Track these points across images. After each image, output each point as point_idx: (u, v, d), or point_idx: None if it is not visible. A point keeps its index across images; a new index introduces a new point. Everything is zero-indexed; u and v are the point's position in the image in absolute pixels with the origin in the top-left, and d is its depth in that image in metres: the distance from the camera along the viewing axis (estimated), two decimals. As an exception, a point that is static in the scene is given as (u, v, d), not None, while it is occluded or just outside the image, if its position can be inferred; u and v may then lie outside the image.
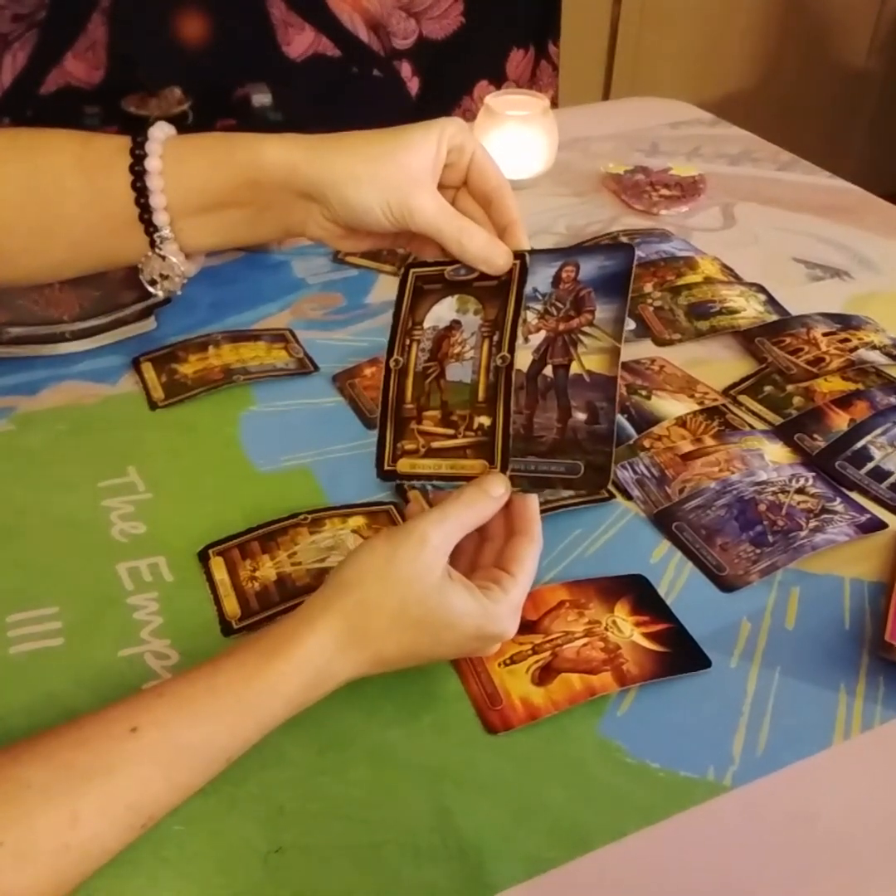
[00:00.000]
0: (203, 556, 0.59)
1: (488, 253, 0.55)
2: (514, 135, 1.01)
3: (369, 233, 0.58)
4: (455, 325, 0.56)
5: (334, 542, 0.59)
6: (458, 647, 0.50)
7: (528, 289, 0.55)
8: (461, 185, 0.58)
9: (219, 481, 0.65)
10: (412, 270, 0.58)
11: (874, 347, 0.78)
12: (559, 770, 0.48)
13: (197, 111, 1.09)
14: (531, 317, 0.55)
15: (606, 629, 0.54)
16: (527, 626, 0.54)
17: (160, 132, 0.56)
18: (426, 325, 0.56)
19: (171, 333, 0.79)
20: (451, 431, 0.55)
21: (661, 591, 0.58)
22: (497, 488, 0.51)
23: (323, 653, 0.46)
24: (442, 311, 0.56)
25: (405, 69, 1.45)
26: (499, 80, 1.54)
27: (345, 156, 0.55)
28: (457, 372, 0.55)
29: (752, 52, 2.36)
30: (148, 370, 0.74)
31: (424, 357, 0.56)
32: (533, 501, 0.53)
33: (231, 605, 0.56)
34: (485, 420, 0.54)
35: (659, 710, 0.51)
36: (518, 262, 0.55)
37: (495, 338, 0.54)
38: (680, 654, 0.54)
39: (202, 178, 0.56)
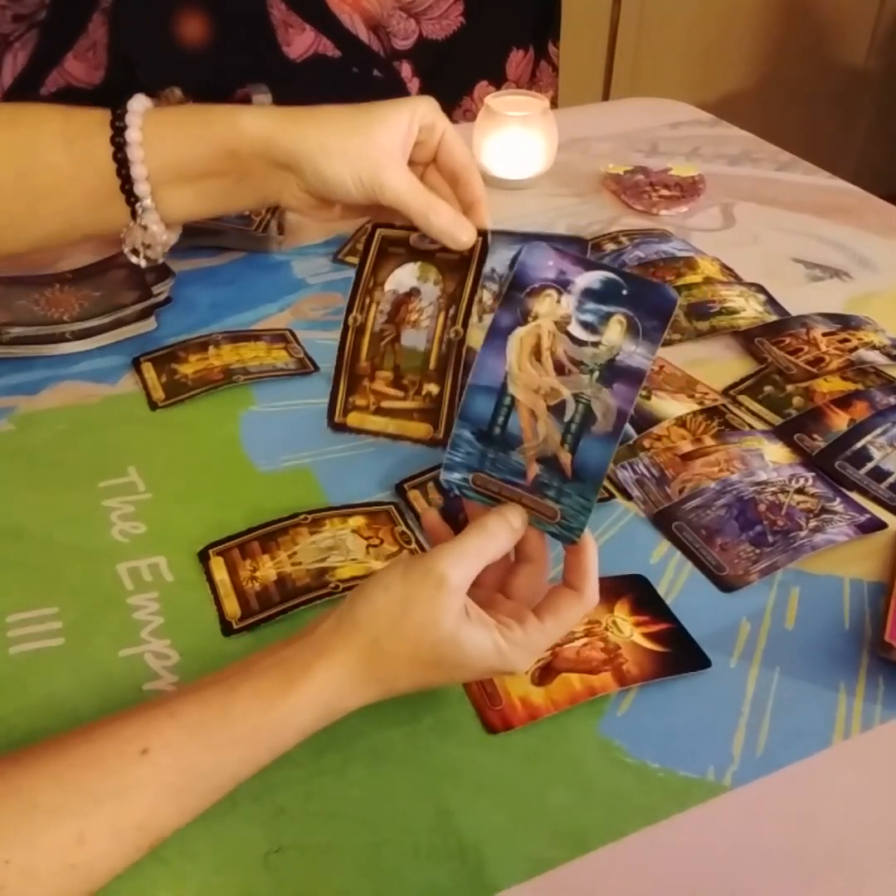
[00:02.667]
0: (203, 556, 0.59)
1: (453, 229, 0.56)
2: (514, 135, 1.01)
3: (342, 205, 0.60)
4: (414, 292, 0.57)
5: (334, 542, 0.59)
6: (468, 679, 0.51)
7: (486, 268, 0.56)
8: (430, 163, 0.60)
9: (219, 481, 0.65)
10: (379, 230, 0.59)
11: (874, 347, 0.78)
12: (559, 770, 0.48)
13: (197, 111, 1.09)
14: (487, 297, 0.56)
15: (606, 629, 0.54)
16: None
17: (139, 104, 0.58)
18: (387, 287, 0.57)
19: (171, 333, 0.79)
20: (400, 393, 0.56)
21: (661, 591, 0.58)
22: (516, 520, 0.49)
23: (337, 690, 0.45)
24: (403, 276, 0.57)
25: (405, 70, 1.45)
26: (499, 81, 1.54)
27: (318, 129, 0.57)
28: (411, 338, 0.56)
29: (752, 53, 2.36)
30: (148, 370, 0.74)
31: (382, 319, 0.57)
32: (592, 554, 0.49)
33: (231, 605, 0.56)
34: (433, 388, 0.55)
35: (659, 710, 0.51)
36: (480, 239, 0.57)
37: (451, 311, 0.55)
38: (680, 654, 0.54)
39: (181, 148, 0.58)
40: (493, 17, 1.48)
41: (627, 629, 0.55)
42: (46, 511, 0.62)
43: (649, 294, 0.47)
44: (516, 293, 0.49)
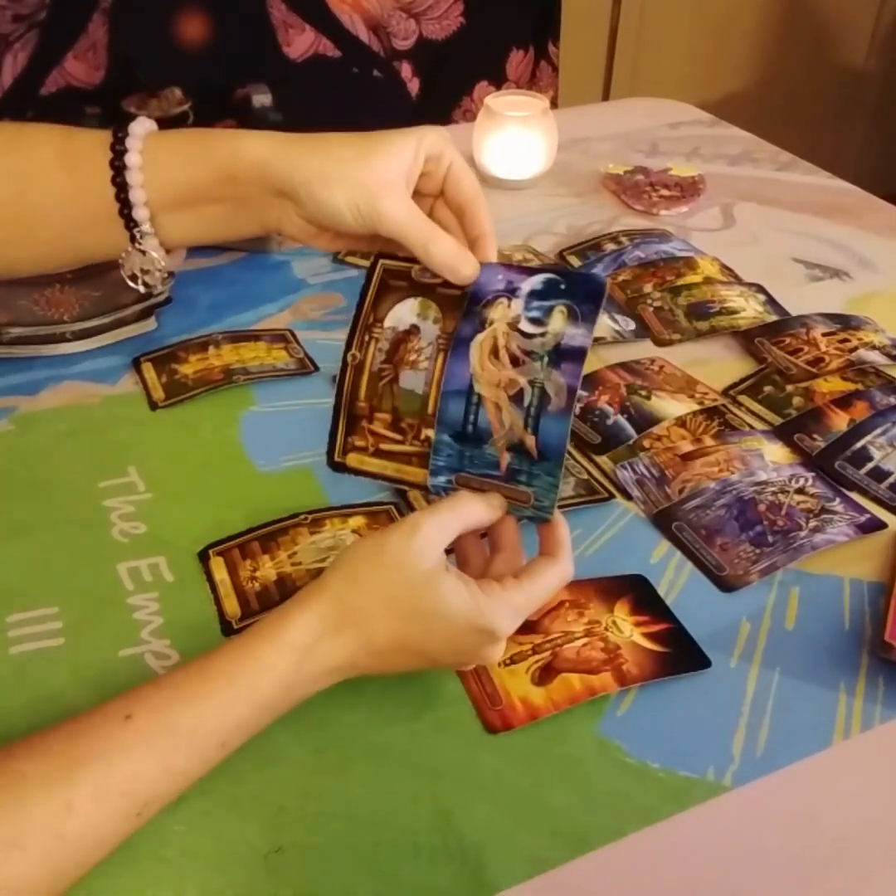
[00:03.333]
0: (203, 556, 0.59)
1: (455, 261, 0.55)
2: (514, 135, 1.01)
3: (340, 233, 0.58)
4: (414, 330, 0.56)
5: (334, 542, 0.59)
6: (452, 643, 0.49)
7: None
8: (439, 195, 0.58)
9: (219, 481, 0.65)
10: (381, 261, 0.58)
11: (874, 347, 0.78)
12: (559, 770, 0.48)
13: (197, 111, 1.09)
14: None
15: (606, 629, 0.54)
16: (527, 627, 0.54)
17: (140, 128, 0.57)
18: (386, 324, 0.57)
19: (171, 333, 0.79)
20: (399, 437, 0.56)
21: (661, 591, 0.58)
22: (497, 499, 0.52)
23: (310, 631, 0.46)
24: (403, 313, 0.57)
25: (405, 70, 1.45)
26: (499, 81, 1.54)
27: (318, 156, 0.56)
28: (410, 380, 0.56)
29: (752, 53, 2.36)
30: (148, 370, 0.74)
31: (381, 358, 0.57)
32: (564, 528, 0.52)
33: (231, 605, 0.56)
34: (432, 433, 0.54)
35: (659, 710, 0.51)
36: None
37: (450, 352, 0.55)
38: (680, 654, 0.54)
39: (181, 173, 0.57)
40: (493, 17, 1.48)
41: (627, 629, 0.55)
42: (46, 511, 0.62)
43: (582, 284, 0.53)
44: (474, 307, 0.54)
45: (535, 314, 0.53)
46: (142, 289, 0.60)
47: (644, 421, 0.70)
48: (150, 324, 0.79)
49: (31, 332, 0.75)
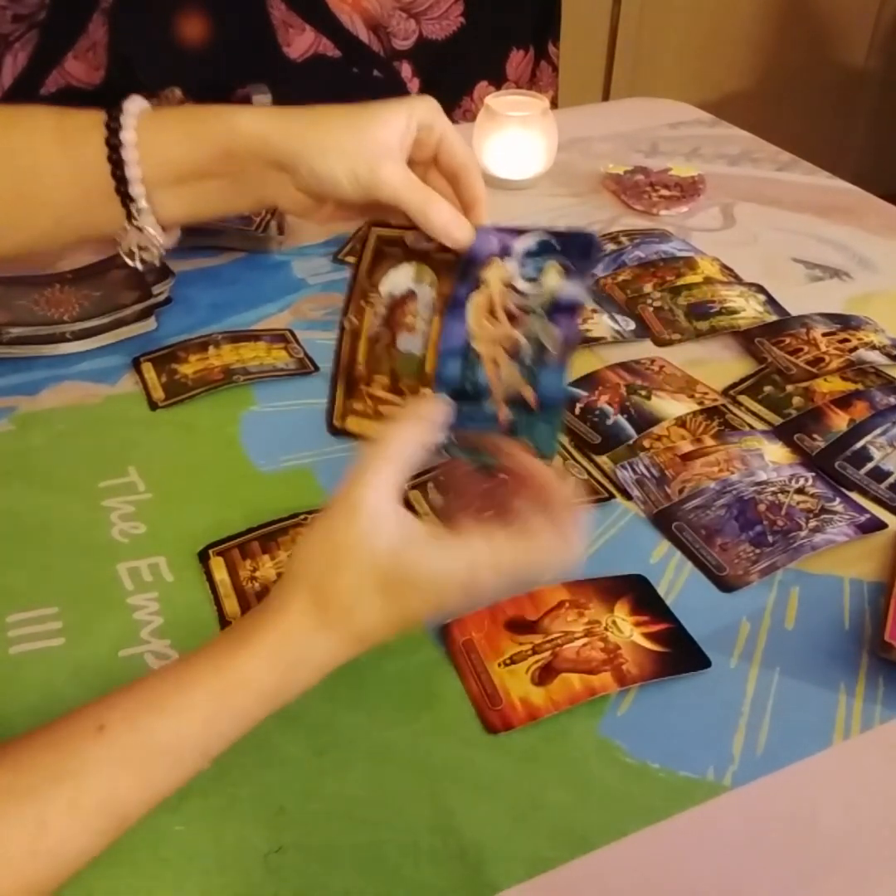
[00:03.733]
0: (203, 556, 0.59)
1: (451, 226, 0.56)
2: (514, 135, 1.01)
3: (339, 204, 0.59)
4: (410, 295, 0.57)
5: (334, 542, 0.59)
6: (449, 598, 0.46)
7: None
8: (431, 163, 0.59)
9: (219, 481, 0.65)
10: (375, 229, 0.59)
11: (874, 348, 0.78)
12: (559, 770, 0.48)
13: (197, 111, 1.09)
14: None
15: (606, 629, 0.54)
16: (526, 627, 0.54)
17: (134, 106, 0.57)
18: (382, 290, 0.58)
19: (171, 333, 0.79)
20: (398, 399, 0.56)
21: (661, 591, 0.58)
22: (425, 407, 0.50)
23: (293, 640, 0.44)
24: (399, 278, 0.57)
25: (405, 70, 1.45)
26: (499, 81, 1.54)
27: (314, 127, 0.57)
28: (407, 342, 0.56)
29: (752, 53, 2.36)
30: (148, 370, 0.74)
31: (378, 323, 0.57)
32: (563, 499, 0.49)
33: (231, 606, 0.56)
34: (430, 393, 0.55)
35: (659, 710, 0.51)
36: None
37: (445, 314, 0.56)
38: (680, 654, 0.54)
39: (177, 149, 0.57)
40: (493, 17, 1.48)
41: (627, 629, 0.55)
42: (46, 511, 0.62)
43: (575, 241, 0.55)
44: (469, 269, 0.56)
45: (529, 272, 0.55)
46: (139, 266, 0.60)
47: (644, 421, 0.70)
48: (150, 324, 0.79)
49: (31, 332, 0.75)
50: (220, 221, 0.90)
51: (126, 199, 0.57)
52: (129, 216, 0.58)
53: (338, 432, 0.58)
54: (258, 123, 0.57)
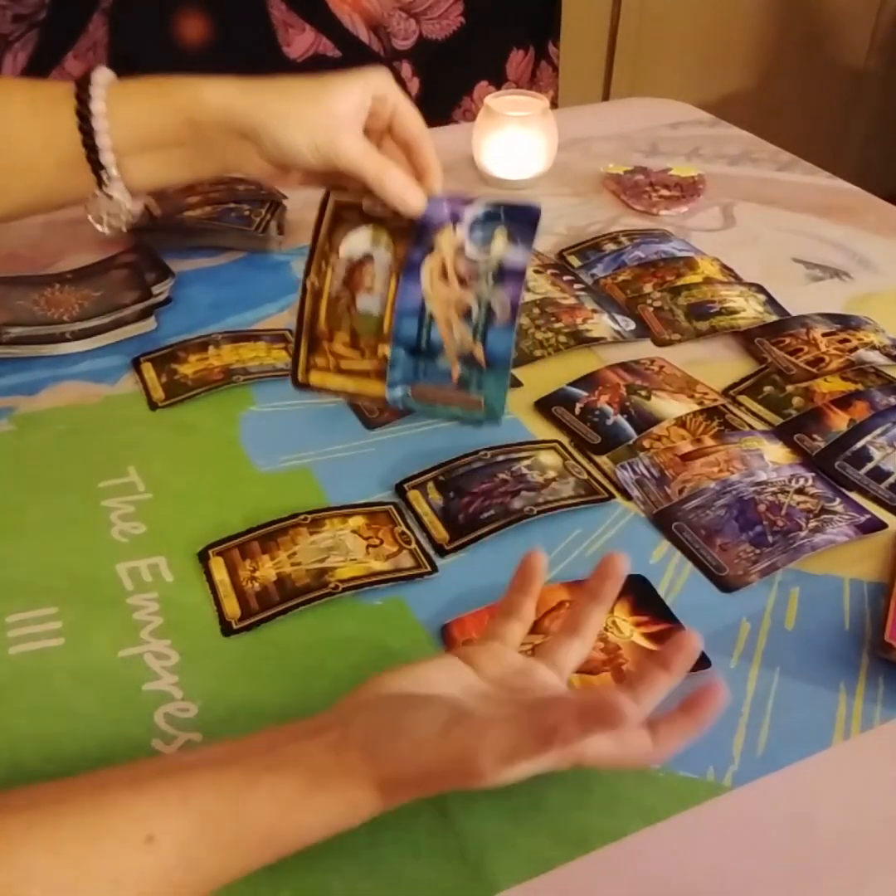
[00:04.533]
0: (203, 556, 0.59)
1: (405, 193, 0.59)
2: (514, 135, 1.01)
3: (301, 172, 0.62)
4: (367, 258, 0.61)
5: (334, 542, 0.59)
6: (435, 714, 0.42)
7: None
8: (385, 132, 0.63)
9: (219, 481, 0.65)
10: (333, 194, 0.62)
11: (874, 348, 0.78)
12: (559, 770, 0.48)
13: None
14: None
15: (606, 629, 0.54)
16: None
17: (102, 77, 0.60)
18: (341, 254, 0.61)
19: (171, 333, 0.79)
20: (358, 354, 0.61)
21: (661, 591, 0.58)
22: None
23: (355, 810, 0.41)
24: (356, 242, 0.61)
25: (405, 69, 1.45)
26: (499, 81, 1.54)
27: (276, 98, 0.60)
28: (366, 303, 0.60)
29: (752, 52, 2.36)
30: (148, 370, 0.74)
31: (338, 284, 0.61)
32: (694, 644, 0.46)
33: (231, 606, 0.56)
34: (388, 350, 0.59)
35: (659, 709, 0.51)
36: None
37: (401, 276, 0.60)
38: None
39: (144, 118, 0.60)
40: (493, 17, 1.48)
41: (627, 629, 0.55)
42: (46, 511, 0.62)
43: (519, 211, 0.59)
44: (422, 234, 0.59)
45: (478, 239, 0.59)
46: (107, 231, 0.63)
47: (644, 421, 0.70)
48: (149, 324, 0.79)
49: (30, 332, 0.75)
50: (219, 221, 0.90)
51: (96, 166, 0.60)
52: (100, 183, 0.60)
53: (301, 386, 0.62)
54: (221, 94, 0.60)
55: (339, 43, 1.38)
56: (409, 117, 0.62)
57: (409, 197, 0.59)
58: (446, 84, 1.50)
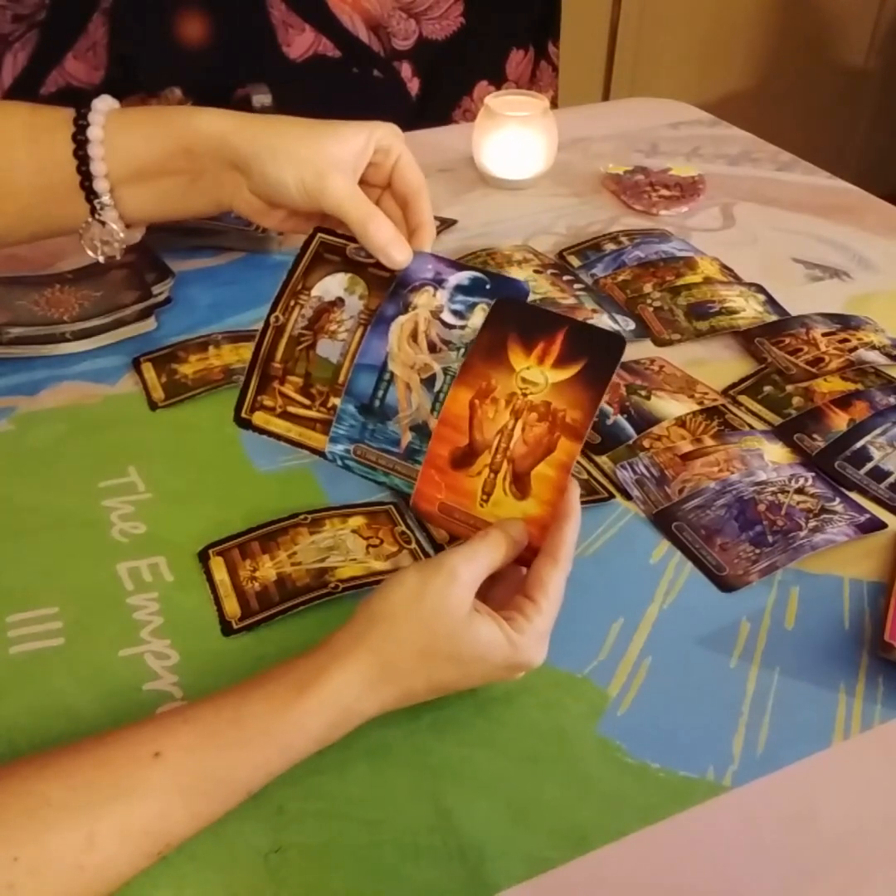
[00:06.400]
0: (203, 556, 0.59)
1: (390, 245, 0.57)
2: (514, 135, 1.01)
3: (289, 211, 0.61)
4: (338, 302, 0.59)
5: (334, 542, 0.59)
6: (484, 678, 0.49)
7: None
8: (386, 187, 0.62)
9: (219, 481, 0.65)
10: (320, 234, 0.61)
11: (874, 347, 0.78)
12: (559, 770, 0.48)
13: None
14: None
15: (524, 394, 0.51)
16: (468, 454, 0.52)
17: (103, 104, 0.60)
18: (313, 293, 0.59)
19: (171, 333, 0.79)
20: (307, 402, 0.59)
21: (661, 591, 0.58)
22: (520, 534, 0.51)
23: (351, 691, 0.45)
24: (331, 285, 0.59)
25: (405, 70, 1.45)
26: (499, 81, 1.54)
27: (270, 132, 0.59)
28: (327, 348, 0.58)
29: (752, 53, 2.36)
30: (148, 370, 0.74)
31: (302, 324, 0.59)
32: (569, 525, 0.50)
33: (231, 605, 0.56)
34: (339, 402, 0.57)
35: (659, 710, 0.51)
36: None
37: (369, 328, 0.58)
38: (594, 354, 0.51)
39: (140, 147, 0.60)
40: (493, 17, 1.48)
41: (537, 376, 0.51)
42: (46, 511, 0.62)
43: (507, 287, 0.57)
44: (400, 290, 0.57)
45: (458, 307, 0.56)
46: (101, 259, 0.63)
47: (644, 421, 0.70)
48: (149, 324, 0.79)
49: (30, 332, 0.75)
50: (219, 221, 0.90)
51: (90, 194, 0.60)
52: (93, 211, 0.60)
53: (243, 424, 0.60)
54: (217, 123, 0.59)
55: (339, 43, 1.38)
56: (411, 171, 0.61)
57: (392, 249, 0.57)
58: (446, 84, 1.50)
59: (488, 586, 0.50)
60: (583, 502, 0.63)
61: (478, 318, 0.55)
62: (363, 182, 0.60)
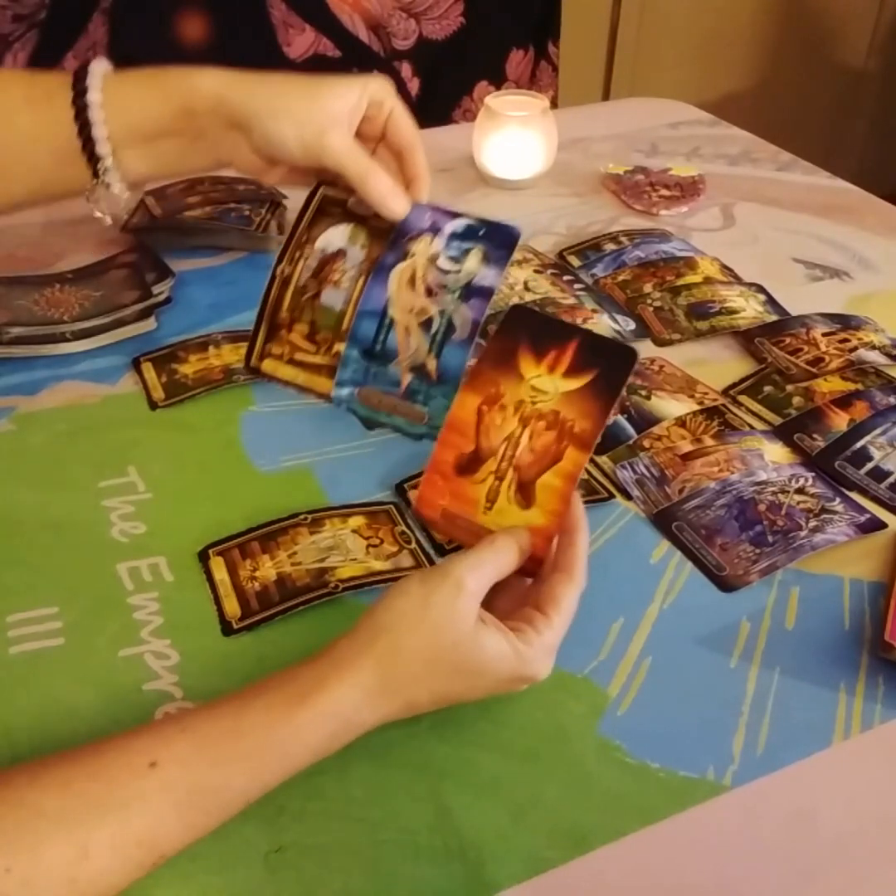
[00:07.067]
0: (203, 556, 0.59)
1: (388, 197, 0.59)
2: (514, 135, 1.01)
3: (289, 168, 0.63)
4: (341, 253, 0.61)
5: (334, 542, 0.59)
6: (488, 690, 0.48)
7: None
8: (380, 139, 0.63)
9: (219, 481, 0.65)
10: (323, 188, 0.62)
11: (874, 347, 0.78)
12: (559, 770, 0.48)
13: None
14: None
15: (533, 402, 0.51)
16: (473, 460, 0.51)
17: (99, 67, 0.60)
18: (317, 245, 0.61)
19: (171, 333, 0.79)
20: (313, 348, 0.61)
21: (661, 591, 0.58)
22: (526, 542, 0.49)
23: (351, 703, 0.44)
24: (334, 237, 0.61)
25: (405, 70, 1.45)
26: (499, 81, 1.54)
27: (269, 90, 0.60)
28: (330, 297, 0.61)
29: (752, 53, 2.36)
30: (148, 370, 0.74)
31: (307, 274, 0.61)
32: (580, 539, 0.50)
33: (231, 605, 0.56)
34: (343, 348, 0.59)
35: (659, 710, 0.51)
36: None
37: (369, 276, 0.60)
38: (606, 366, 0.50)
39: (140, 108, 0.60)
40: (493, 17, 1.48)
41: (547, 384, 0.50)
42: (46, 511, 0.62)
43: (499, 232, 0.59)
44: (400, 239, 0.59)
45: (453, 253, 0.59)
46: (108, 220, 0.64)
47: (644, 421, 0.70)
48: (149, 324, 0.79)
49: (30, 332, 0.75)
50: (219, 221, 0.90)
51: (92, 157, 0.60)
52: (95, 174, 0.61)
53: (252, 371, 0.63)
54: (217, 83, 0.60)
55: (339, 43, 1.38)
56: (404, 124, 0.62)
57: (390, 201, 0.59)
58: (446, 84, 1.50)
59: (491, 595, 0.48)
60: (583, 502, 0.63)
61: (472, 262, 0.58)
62: (358, 135, 0.61)
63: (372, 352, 0.59)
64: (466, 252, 0.58)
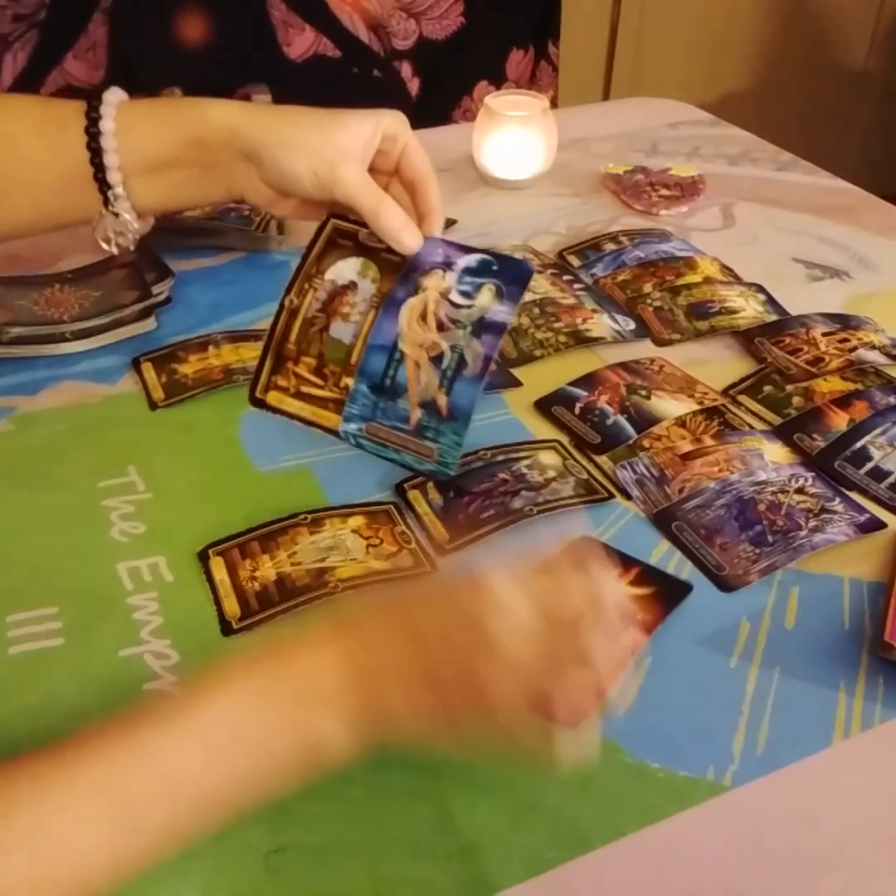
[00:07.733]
0: (203, 556, 0.59)
1: (400, 231, 0.59)
2: (514, 135, 1.01)
3: (301, 200, 0.62)
4: (351, 285, 0.61)
5: (334, 541, 0.59)
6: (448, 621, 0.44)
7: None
8: (394, 174, 0.62)
9: (219, 481, 0.65)
10: (333, 219, 0.62)
11: (873, 347, 0.78)
12: (559, 770, 0.48)
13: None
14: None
15: None
16: None
17: (113, 96, 0.60)
18: (327, 276, 0.61)
19: (171, 333, 0.79)
20: (320, 382, 0.61)
21: (661, 591, 0.58)
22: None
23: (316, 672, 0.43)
24: (344, 269, 0.61)
25: (405, 69, 1.45)
26: (499, 81, 1.54)
27: (282, 123, 0.60)
28: (340, 330, 0.60)
29: (752, 53, 2.36)
30: (148, 370, 0.74)
31: (316, 306, 0.61)
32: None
33: (231, 605, 0.56)
34: (351, 382, 0.59)
35: (659, 709, 0.51)
36: None
37: (381, 311, 0.60)
38: (664, 589, 0.55)
39: (152, 138, 0.60)
40: (493, 17, 1.48)
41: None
42: (46, 511, 0.62)
43: (513, 267, 0.59)
44: (411, 274, 0.59)
45: (465, 288, 0.59)
46: (115, 251, 0.64)
47: (644, 421, 0.70)
48: (149, 324, 0.79)
49: (30, 331, 0.75)
50: (219, 221, 0.90)
51: (103, 185, 0.60)
52: (106, 202, 0.61)
53: (257, 403, 0.62)
54: (229, 114, 0.60)
55: (339, 43, 1.38)
56: (418, 158, 0.62)
57: (403, 235, 0.59)
58: (446, 84, 1.50)
59: None
60: (583, 502, 0.63)
61: (484, 297, 0.58)
62: (372, 169, 0.60)
63: (381, 387, 0.59)
64: (479, 287, 0.58)
